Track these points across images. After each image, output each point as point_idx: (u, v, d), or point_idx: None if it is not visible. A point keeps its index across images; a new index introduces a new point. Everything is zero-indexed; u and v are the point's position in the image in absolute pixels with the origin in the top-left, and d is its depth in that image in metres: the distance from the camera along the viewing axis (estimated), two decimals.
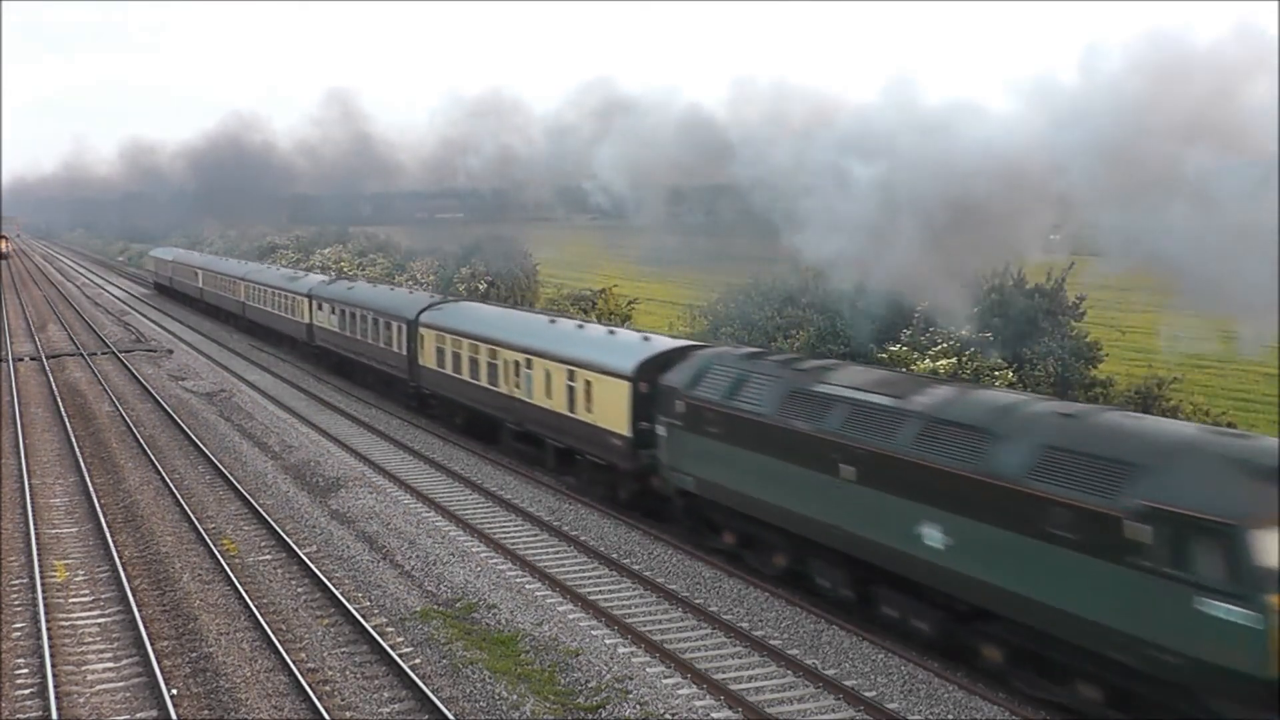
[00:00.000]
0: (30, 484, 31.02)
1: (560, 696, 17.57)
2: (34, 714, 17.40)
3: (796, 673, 18.45)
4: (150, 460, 33.79)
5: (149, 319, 77.64)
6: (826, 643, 19.59)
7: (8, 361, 54.36)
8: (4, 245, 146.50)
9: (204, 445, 35.57)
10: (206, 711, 17.43)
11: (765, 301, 39.75)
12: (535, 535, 26.40)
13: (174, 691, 17.90)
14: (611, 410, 26.81)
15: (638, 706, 16.97)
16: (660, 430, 24.74)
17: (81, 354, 57.95)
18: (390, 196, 72.89)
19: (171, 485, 30.65)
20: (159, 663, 18.81)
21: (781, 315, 38.73)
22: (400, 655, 19.01)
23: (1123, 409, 19.04)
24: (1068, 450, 15.86)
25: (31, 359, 56.96)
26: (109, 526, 26.84)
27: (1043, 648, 16.44)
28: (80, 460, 33.97)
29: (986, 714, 16.92)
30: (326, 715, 16.90)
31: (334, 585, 22.56)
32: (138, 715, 17.39)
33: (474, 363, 34.61)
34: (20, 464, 33.34)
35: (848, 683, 17.97)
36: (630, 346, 27.74)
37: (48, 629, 20.38)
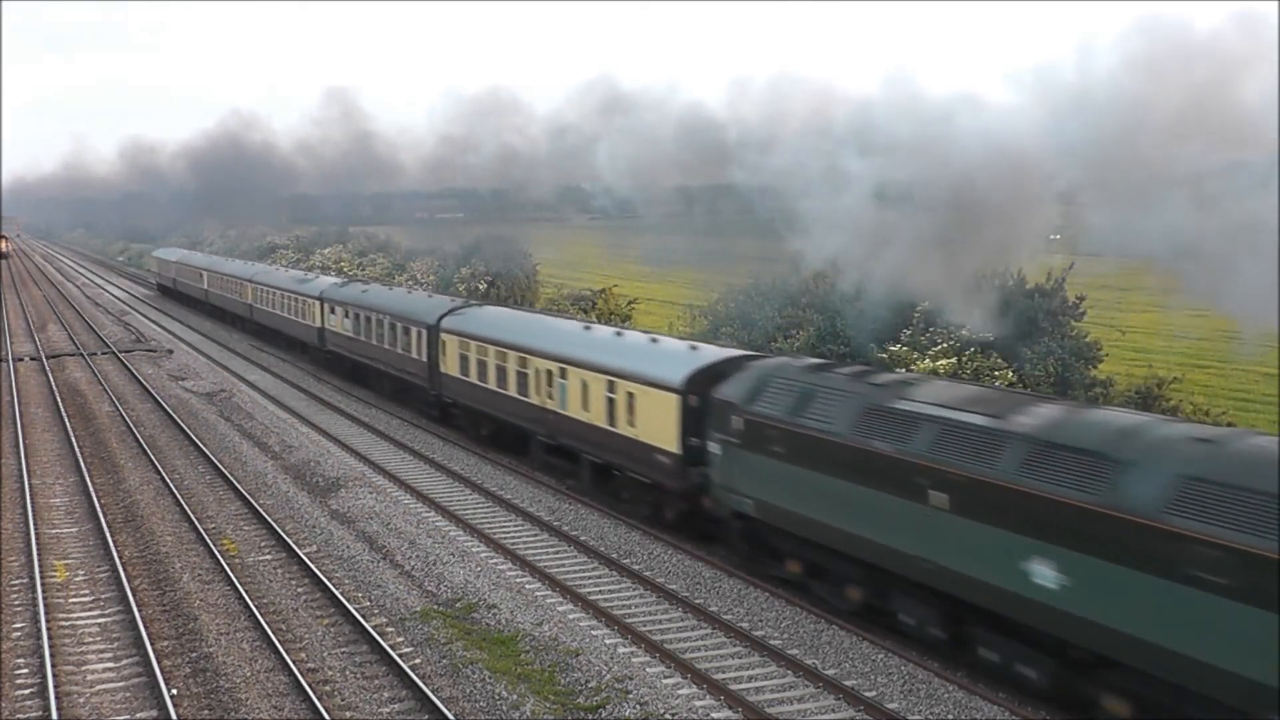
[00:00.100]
0: (30, 484, 31.02)
1: (560, 696, 17.57)
2: (34, 714, 17.40)
3: (796, 673, 18.45)
4: (150, 460, 33.79)
5: (149, 319, 77.63)
6: (826, 643, 19.59)
7: (8, 361, 54.37)
8: (4, 245, 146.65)
9: (204, 445, 35.57)
10: (206, 711, 17.43)
11: (765, 301, 39.79)
12: (535, 535, 26.39)
13: (174, 691, 17.89)
14: (657, 425, 25.01)
15: (638, 706, 16.97)
16: (713, 448, 23.05)
17: (81, 354, 57.96)
18: (390, 196, 72.97)
19: (171, 485, 30.65)
20: (159, 663, 18.80)
21: (782, 315, 38.75)
22: (400, 655, 19.00)
23: (1260, 433, 16.76)
24: (1212, 482, 14.09)
25: (31, 359, 56.97)
26: (109, 526, 26.84)
27: (1179, 702, 14.65)
28: (80, 460, 33.97)
29: (986, 714, 16.92)
30: (326, 715, 16.90)
31: (334, 585, 22.56)
32: (138, 715, 17.39)
33: (501, 371, 32.85)
34: (20, 464, 33.34)
35: (848, 683, 17.97)
36: (677, 356, 25.95)
37: (48, 629, 20.37)
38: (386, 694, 17.86)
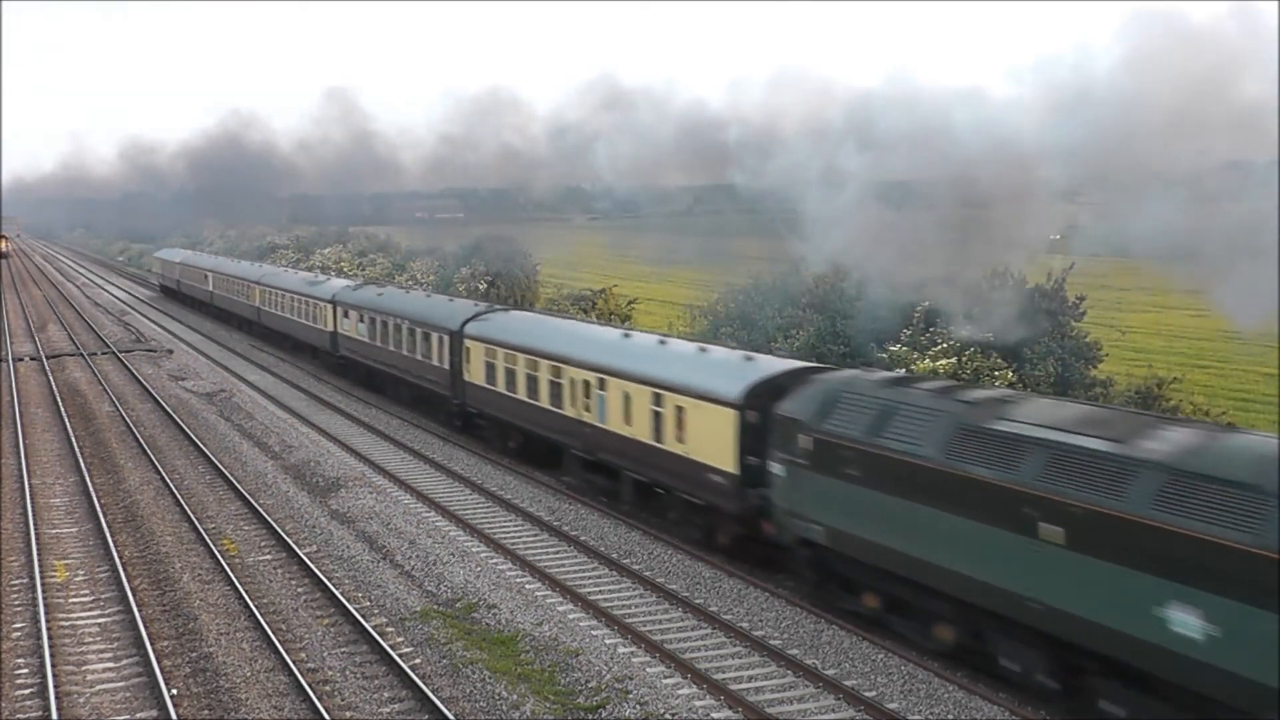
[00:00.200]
0: (30, 484, 31.02)
1: (560, 696, 17.57)
2: (34, 714, 17.40)
3: (796, 673, 18.44)
4: (150, 460, 33.79)
5: (149, 319, 77.62)
6: (826, 643, 19.59)
7: (8, 361, 54.37)
8: (4, 245, 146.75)
9: (204, 445, 35.57)
10: (206, 711, 17.43)
11: (765, 302, 39.82)
12: (535, 535, 26.39)
13: (174, 691, 17.89)
14: (711, 442, 23.28)
15: (638, 706, 16.97)
16: (776, 468, 21.29)
17: (81, 354, 57.96)
18: (390, 196, 73.06)
19: (171, 485, 30.66)
20: (159, 663, 18.80)
21: (782, 315, 38.78)
22: (400, 655, 19.00)
23: None
24: None
25: (31, 359, 56.97)
26: (109, 526, 26.84)
27: None
28: (80, 460, 33.97)
29: (986, 714, 16.92)
30: (326, 715, 16.90)
31: (334, 585, 22.56)
32: (138, 715, 17.39)
33: (532, 380, 31.00)
34: (20, 464, 33.34)
35: (848, 683, 17.96)
36: (732, 367, 24.23)
37: (48, 629, 20.37)
38: (386, 694, 17.86)
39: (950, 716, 16.93)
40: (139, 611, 21.08)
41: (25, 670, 18.98)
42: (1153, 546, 14.30)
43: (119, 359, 56.08)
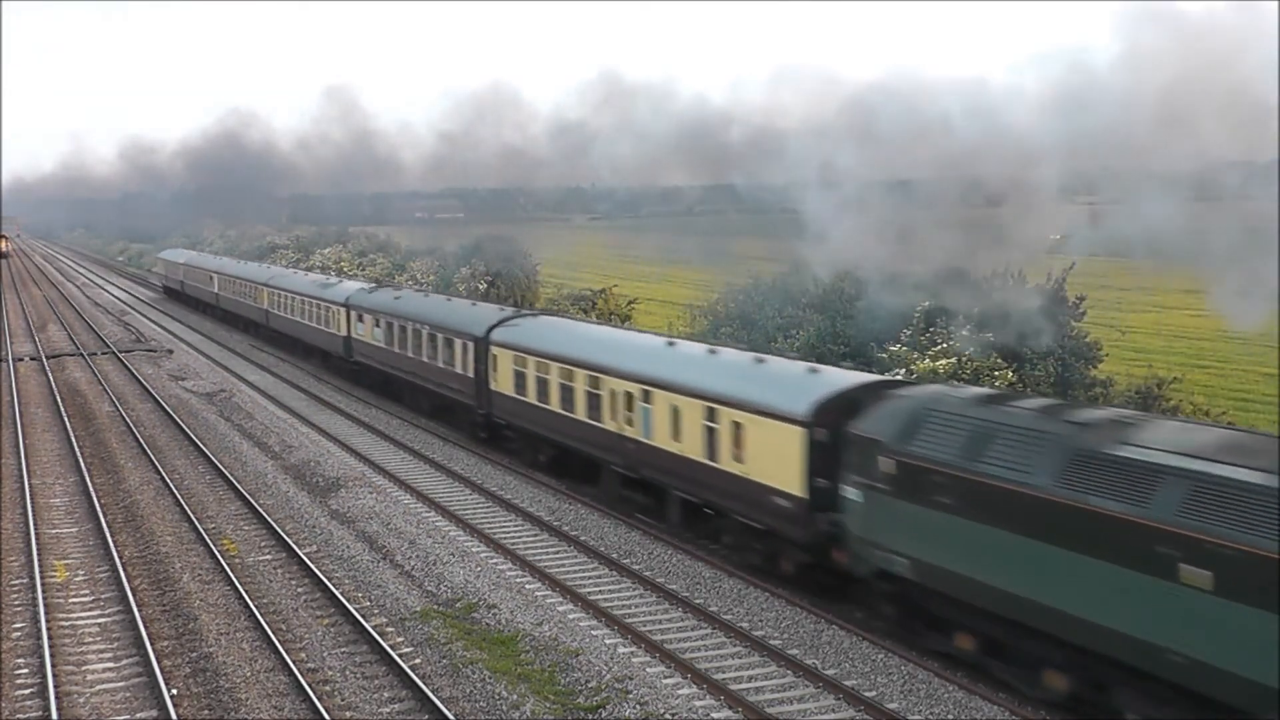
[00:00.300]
0: (30, 484, 31.03)
1: (560, 696, 17.57)
2: (34, 714, 17.40)
3: (796, 673, 18.44)
4: (150, 460, 33.79)
5: (149, 319, 77.63)
6: (826, 643, 19.58)
7: (8, 361, 54.38)
8: (4, 245, 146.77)
9: (204, 445, 35.57)
10: (206, 711, 17.43)
11: (765, 301, 39.83)
12: (535, 535, 26.39)
13: (174, 691, 17.89)
14: (774, 462, 21.47)
15: (638, 706, 16.97)
16: (851, 493, 19.53)
17: (81, 354, 57.97)
18: (390, 196, 73.11)
19: (171, 485, 30.66)
20: (159, 663, 18.81)
21: (782, 315, 38.79)
22: (400, 655, 19.00)
23: None
24: None
25: (31, 359, 56.98)
26: (109, 526, 26.84)
27: None
28: (80, 460, 33.98)
29: (986, 714, 16.92)
30: (326, 715, 16.90)
31: (334, 585, 22.56)
32: (138, 715, 17.39)
33: (567, 391, 29.15)
34: (20, 464, 33.34)
35: (848, 683, 17.96)
36: (796, 381, 22.35)
37: (48, 629, 20.37)
38: (386, 694, 17.86)
39: (950, 716, 16.93)
40: (139, 611, 21.08)
41: (25, 670, 18.98)
42: None
43: (119, 359, 56.09)
